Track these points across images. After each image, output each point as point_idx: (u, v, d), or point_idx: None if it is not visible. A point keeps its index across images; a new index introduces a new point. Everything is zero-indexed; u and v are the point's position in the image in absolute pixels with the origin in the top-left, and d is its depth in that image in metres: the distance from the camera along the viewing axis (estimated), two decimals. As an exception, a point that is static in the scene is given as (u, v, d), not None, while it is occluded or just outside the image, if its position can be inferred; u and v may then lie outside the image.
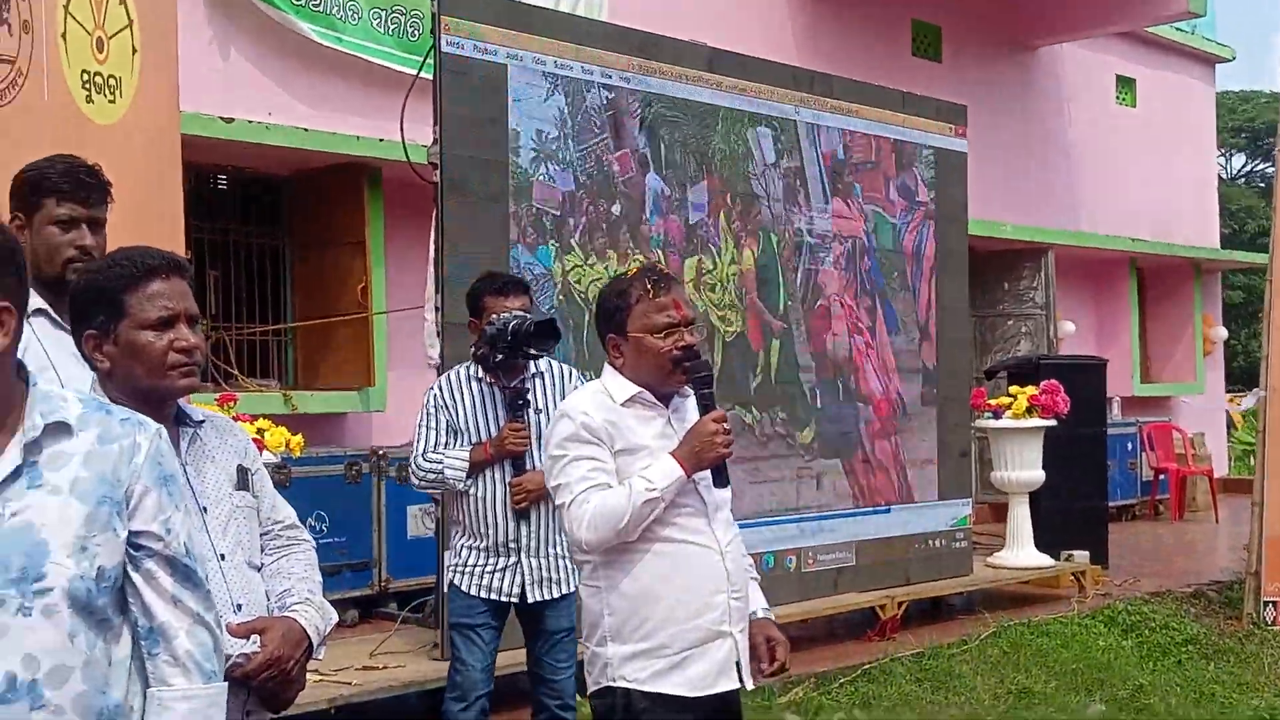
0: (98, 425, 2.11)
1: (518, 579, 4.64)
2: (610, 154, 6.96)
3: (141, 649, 2.12)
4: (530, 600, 4.65)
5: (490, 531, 4.64)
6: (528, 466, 4.60)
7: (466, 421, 4.68)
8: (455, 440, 4.68)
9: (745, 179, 7.63)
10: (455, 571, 4.74)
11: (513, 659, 6.22)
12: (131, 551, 2.10)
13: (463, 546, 4.73)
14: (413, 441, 4.78)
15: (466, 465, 4.60)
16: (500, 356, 4.54)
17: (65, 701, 1.99)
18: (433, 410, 4.72)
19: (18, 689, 1.96)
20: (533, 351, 4.53)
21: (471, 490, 4.64)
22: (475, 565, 4.67)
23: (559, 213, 6.68)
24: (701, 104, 7.38)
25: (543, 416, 4.60)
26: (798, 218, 7.92)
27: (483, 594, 4.65)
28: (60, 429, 2.07)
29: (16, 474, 2.02)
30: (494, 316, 4.57)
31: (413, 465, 4.75)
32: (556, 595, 4.69)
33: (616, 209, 6.97)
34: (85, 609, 2.02)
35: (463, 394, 4.70)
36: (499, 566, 4.64)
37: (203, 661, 2.15)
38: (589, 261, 6.80)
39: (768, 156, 7.75)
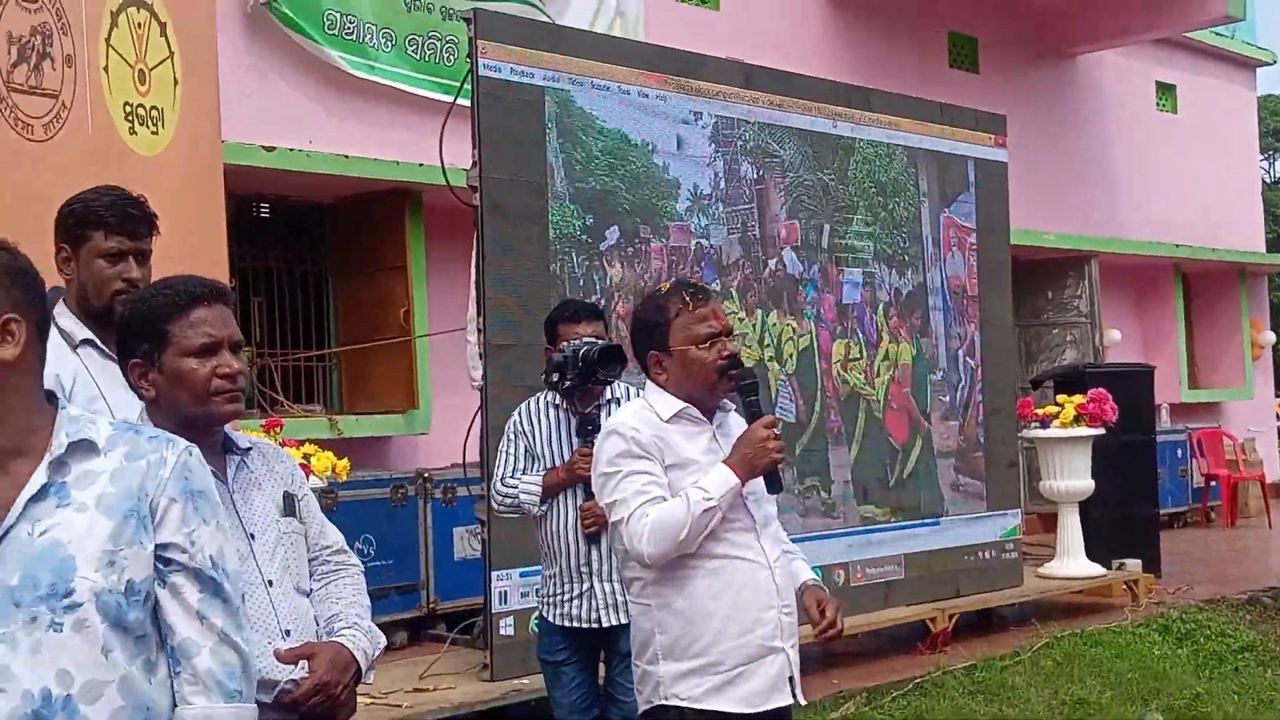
0: (126, 444, 2.12)
1: (593, 604, 4.63)
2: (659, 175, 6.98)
3: (170, 667, 2.12)
4: (605, 625, 4.63)
5: (562, 557, 4.66)
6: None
7: (543, 447, 4.71)
8: (533, 465, 4.73)
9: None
10: (541, 602, 4.80)
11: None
12: (159, 566, 2.09)
13: (546, 576, 4.76)
14: (494, 466, 4.87)
15: (539, 490, 4.65)
16: (569, 383, 4.57)
17: (101, 717, 1.99)
18: (512, 436, 4.79)
19: (53, 704, 1.96)
20: (601, 376, 4.54)
21: (546, 515, 4.69)
22: (555, 594, 4.69)
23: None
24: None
25: None
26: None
27: (564, 622, 4.65)
28: (87, 448, 2.08)
29: (44, 493, 2.04)
30: (564, 343, 4.63)
31: (492, 489, 4.85)
32: (625, 620, 4.67)
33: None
34: (118, 624, 2.02)
35: (540, 420, 4.75)
36: (575, 593, 4.64)
37: (225, 681, 2.12)
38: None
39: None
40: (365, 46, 8.88)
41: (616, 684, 4.72)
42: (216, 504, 2.21)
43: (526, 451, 4.73)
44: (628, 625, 4.56)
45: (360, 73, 8.87)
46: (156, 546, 2.09)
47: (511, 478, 4.74)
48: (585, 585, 4.63)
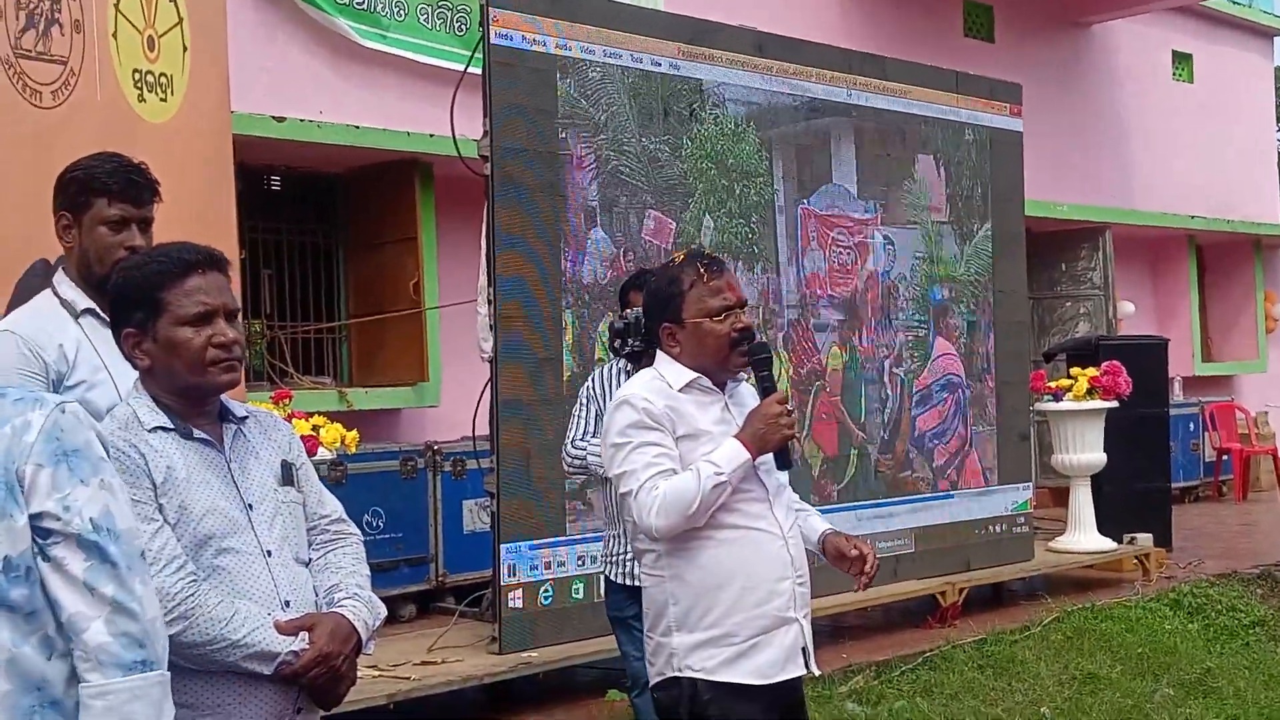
0: None
1: None
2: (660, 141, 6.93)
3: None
4: None
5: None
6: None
7: None
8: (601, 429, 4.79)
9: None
10: (605, 563, 4.91)
11: (566, 652, 6.26)
12: (39, 540, 2.00)
13: (609, 536, 4.88)
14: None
15: None
16: (630, 349, 4.66)
17: None
18: (584, 401, 4.93)
19: None
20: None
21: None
22: (619, 554, 4.77)
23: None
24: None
25: None
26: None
27: (627, 580, 4.71)
28: None
29: None
30: (626, 311, 4.74)
31: (562, 451, 4.99)
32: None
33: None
34: (1, 603, 1.95)
35: (610, 385, 4.82)
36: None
37: (120, 652, 2.03)
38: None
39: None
40: (377, 16, 8.83)
41: None
42: (98, 460, 2.09)
43: (597, 416, 4.82)
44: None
45: (371, 43, 8.83)
46: (31, 517, 1.99)
47: (581, 440, 4.86)
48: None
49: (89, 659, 2.01)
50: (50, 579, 2.00)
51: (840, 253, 7.78)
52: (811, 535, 3.39)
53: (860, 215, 7.91)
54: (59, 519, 2.00)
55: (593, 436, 4.79)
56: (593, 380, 4.97)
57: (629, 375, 4.67)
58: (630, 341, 4.64)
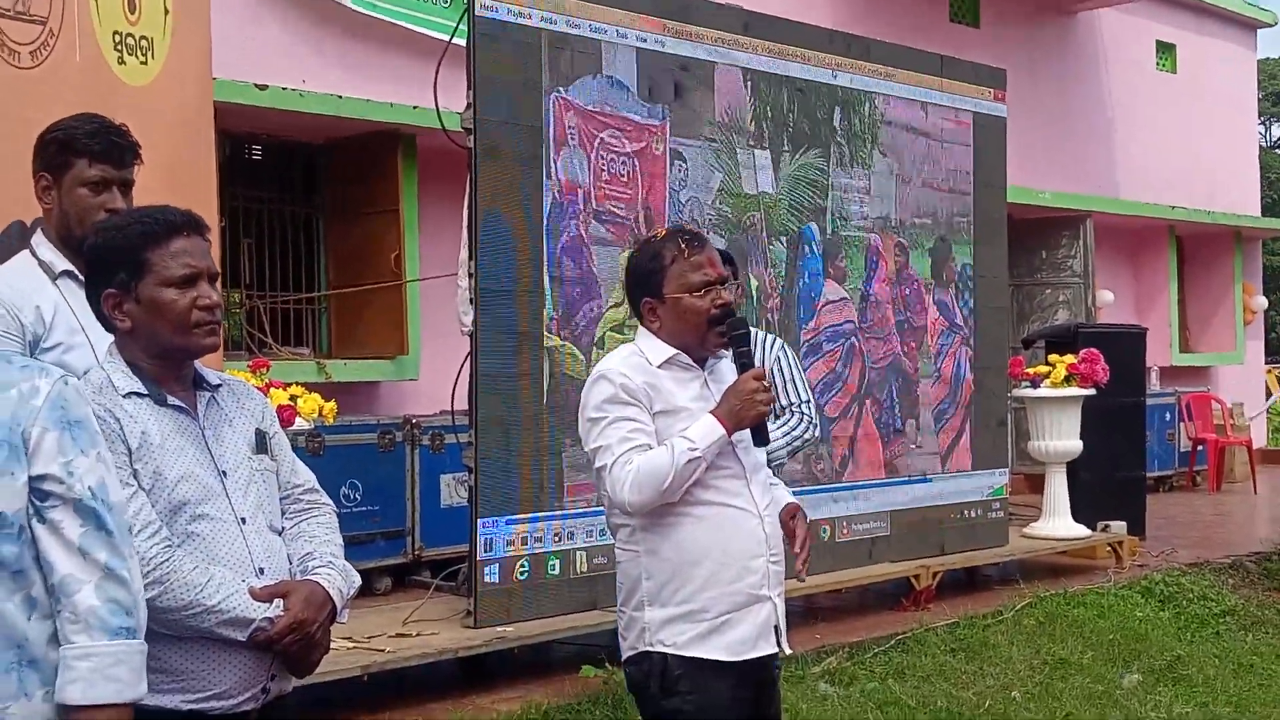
0: None
1: None
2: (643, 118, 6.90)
3: (53, 606, 2.07)
4: None
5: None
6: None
7: None
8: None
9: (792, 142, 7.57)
10: None
11: (542, 627, 6.26)
12: (36, 501, 2.04)
13: None
14: None
15: None
16: None
17: None
18: None
19: None
20: None
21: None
22: None
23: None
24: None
25: None
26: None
27: None
28: None
29: None
30: None
31: None
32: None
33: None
34: None
35: None
36: None
37: (109, 618, 2.08)
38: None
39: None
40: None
41: None
42: (96, 434, 2.16)
43: None
44: None
45: (362, 9, 8.76)
46: (32, 478, 2.04)
47: None
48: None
49: (78, 620, 2.05)
50: (45, 540, 2.04)
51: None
52: (777, 507, 3.39)
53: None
54: (62, 482, 2.05)
55: None
56: None
57: None
58: None
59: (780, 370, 4.85)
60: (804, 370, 4.91)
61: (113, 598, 2.08)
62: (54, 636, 2.06)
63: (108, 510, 2.10)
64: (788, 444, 4.84)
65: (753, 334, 4.73)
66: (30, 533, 2.05)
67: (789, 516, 3.31)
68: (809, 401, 4.88)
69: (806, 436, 4.87)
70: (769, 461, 4.67)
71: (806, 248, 7.69)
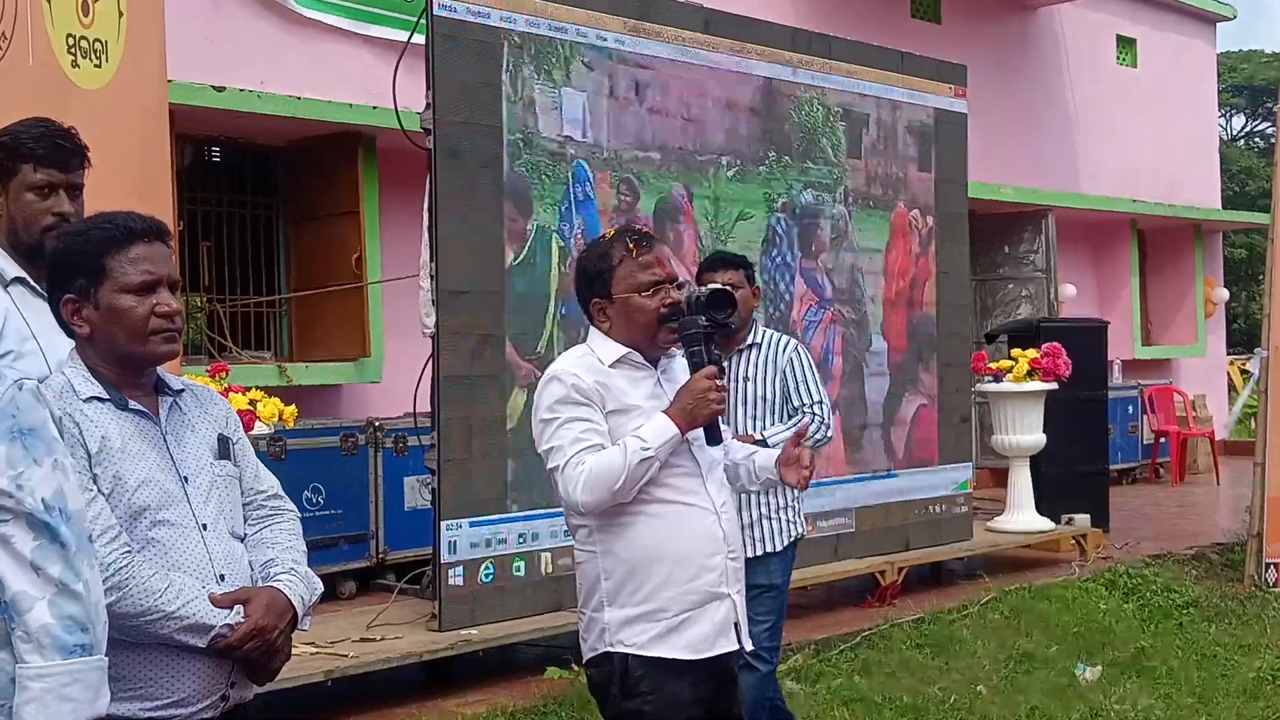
0: None
1: None
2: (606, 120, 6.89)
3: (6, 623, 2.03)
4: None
5: None
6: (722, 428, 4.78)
7: None
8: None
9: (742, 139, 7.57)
10: None
11: (507, 630, 6.25)
12: None
13: None
14: None
15: None
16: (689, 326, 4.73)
17: None
18: None
19: None
20: (715, 319, 4.63)
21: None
22: None
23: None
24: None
25: (749, 385, 4.85)
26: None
27: None
28: None
29: None
30: (688, 290, 4.77)
31: None
32: (759, 552, 4.82)
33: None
34: None
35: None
36: None
37: (63, 635, 2.02)
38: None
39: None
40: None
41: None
42: (53, 439, 2.10)
43: None
44: (759, 558, 4.77)
45: (311, 11, 8.72)
46: None
47: None
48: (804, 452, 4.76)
49: (30, 640, 2.00)
50: None
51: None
52: (763, 470, 3.43)
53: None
54: (11, 496, 1.99)
55: None
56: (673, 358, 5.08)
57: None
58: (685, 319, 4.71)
59: (792, 371, 4.90)
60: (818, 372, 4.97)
61: (67, 614, 2.03)
62: (6, 652, 2.02)
63: (64, 521, 2.04)
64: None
65: (766, 334, 4.92)
66: None
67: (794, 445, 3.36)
68: (821, 402, 4.92)
69: (819, 437, 4.90)
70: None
71: (777, 235, 7.70)
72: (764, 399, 4.88)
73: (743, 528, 4.77)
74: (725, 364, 4.81)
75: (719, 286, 4.67)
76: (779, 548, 4.83)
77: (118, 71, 4.40)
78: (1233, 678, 6.38)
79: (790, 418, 4.90)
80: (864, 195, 8.27)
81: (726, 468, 3.43)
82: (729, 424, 4.86)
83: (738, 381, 4.89)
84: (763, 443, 4.81)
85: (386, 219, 8.97)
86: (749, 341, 4.90)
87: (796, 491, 4.88)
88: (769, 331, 5.01)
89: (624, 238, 3.28)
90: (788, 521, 4.86)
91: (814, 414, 4.88)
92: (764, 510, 4.81)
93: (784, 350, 4.93)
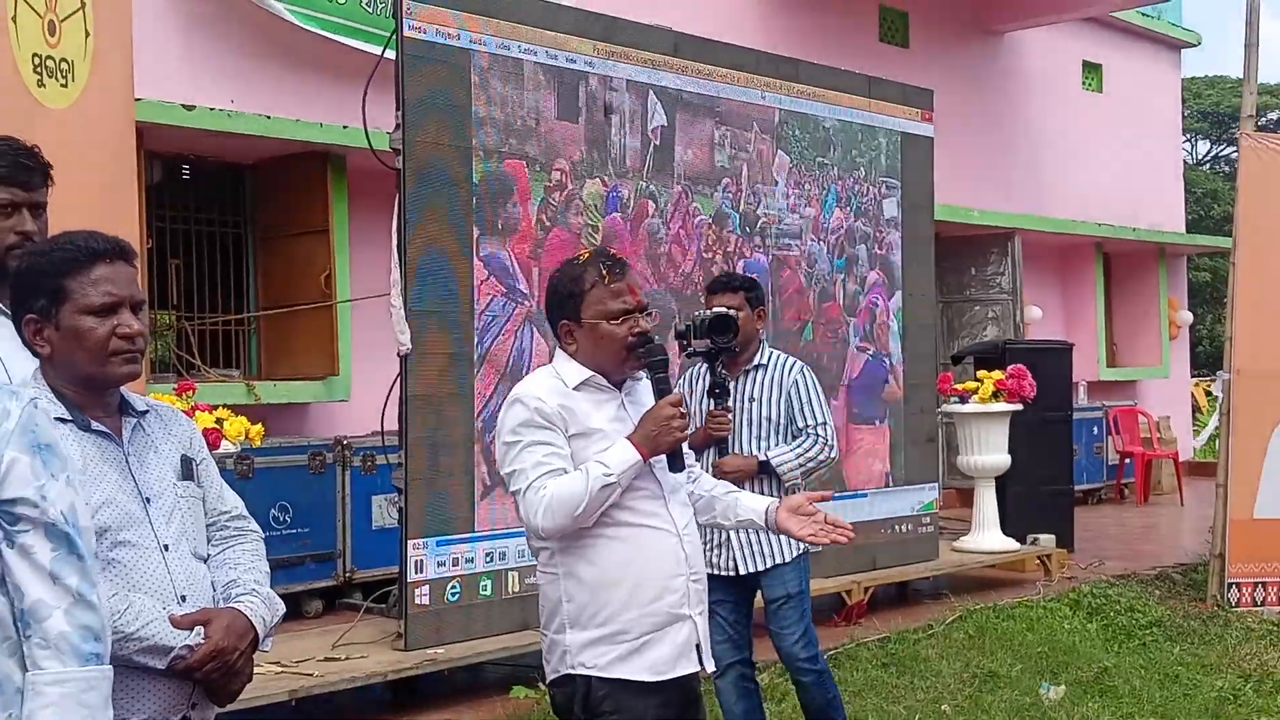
0: None
1: (730, 554, 4.96)
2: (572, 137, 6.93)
3: (19, 631, 2.06)
4: (743, 572, 4.94)
5: None
6: (733, 450, 4.97)
7: (695, 408, 4.98)
8: (690, 425, 4.91)
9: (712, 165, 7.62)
10: None
11: (473, 649, 6.24)
12: (6, 525, 2.04)
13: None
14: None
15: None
16: (691, 350, 4.88)
17: None
18: None
19: None
20: (720, 342, 4.82)
21: None
22: (704, 541, 4.86)
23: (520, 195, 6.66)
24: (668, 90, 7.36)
25: (755, 405, 4.99)
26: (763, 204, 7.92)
27: (711, 570, 4.84)
28: None
29: None
30: (695, 313, 4.98)
31: None
32: (766, 566, 4.97)
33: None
34: None
35: (696, 384, 5.05)
36: (714, 543, 4.92)
37: (80, 644, 2.08)
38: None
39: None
40: (312, -1, 8.74)
41: (771, 631, 5.10)
42: (65, 458, 2.16)
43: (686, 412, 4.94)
44: (768, 572, 4.93)
45: (304, 25, 8.69)
46: (4, 502, 2.03)
47: None
48: (723, 536, 4.91)
49: (48, 646, 2.05)
50: (16, 565, 2.04)
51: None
52: (747, 512, 3.45)
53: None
54: (36, 506, 2.05)
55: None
56: (683, 378, 5.22)
57: (707, 374, 4.96)
58: (692, 343, 4.84)
59: (797, 392, 4.99)
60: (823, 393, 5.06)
61: (84, 624, 2.08)
62: (15, 659, 2.05)
63: (78, 534, 2.09)
64: (801, 465, 4.96)
65: (772, 356, 5.03)
66: None
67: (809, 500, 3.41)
68: (825, 424, 4.99)
69: (822, 458, 4.99)
70: (783, 480, 4.86)
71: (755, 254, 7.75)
72: (769, 420, 4.97)
73: (749, 543, 4.94)
74: (731, 385, 4.91)
75: (722, 311, 4.84)
76: (788, 559, 4.98)
77: (84, 91, 4.40)
78: (1195, 697, 6.43)
79: (795, 439, 4.98)
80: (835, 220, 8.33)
81: (699, 499, 3.45)
82: (734, 443, 4.97)
83: (743, 402, 5.00)
84: (766, 463, 4.88)
85: (356, 238, 8.98)
86: (755, 363, 5.01)
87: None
88: (775, 353, 5.11)
89: (597, 262, 3.29)
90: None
91: (818, 435, 4.97)
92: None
93: (789, 372, 5.02)
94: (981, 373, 9.46)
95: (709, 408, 4.91)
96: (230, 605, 2.65)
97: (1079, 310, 15.95)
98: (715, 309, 4.87)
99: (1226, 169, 35.16)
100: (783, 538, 4.86)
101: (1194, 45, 17.90)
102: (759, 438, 4.97)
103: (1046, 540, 9.51)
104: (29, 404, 2.10)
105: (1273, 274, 8.41)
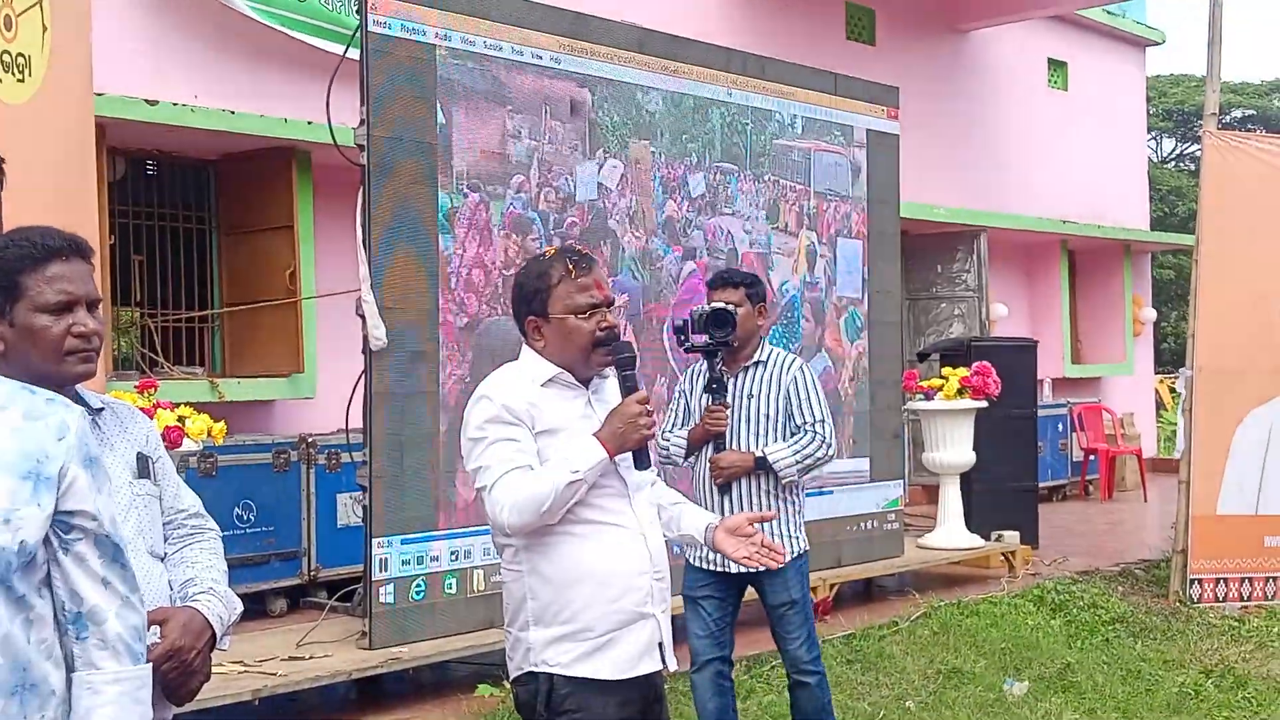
0: (23, 403, 2.09)
1: None
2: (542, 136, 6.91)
3: (68, 634, 2.10)
4: (734, 571, 4.89)
5: (702, 505, 4.91)
6: (731, 446, 4.97)
7: (695, 404, 5.08)
8: (688, 421, 5.10)
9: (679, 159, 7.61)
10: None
11: (438, 648, 6.23)
12: (62, 534, 2.08)
13: None
14: None
15: (685, 445, 5.07)
16: (688, 345, 4.95)
17: None
18: (676, 395, 5.27)
19: None
20: (715, 337, 4.88)
21: (693, 467, 5.09)
22: None
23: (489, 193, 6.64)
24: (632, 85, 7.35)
25: (753, 402, 5.01)
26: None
27: (702, 564, 4.97)
28: None
29: None
30: (692, 308, 5.02)
31: (658, 440, 5.14)
32: (759, 569, 4.82)
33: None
34: (2, 583, 1.99)
35: (697, 381, 5.11)
36: None
37: (132, 643, 2.15)
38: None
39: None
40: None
41: (775, 634, 5.13)
42: (107, 471, 2.22)
43: (685, 408, 5.14)
44: (770, 575, 4.86)
45: (265, 21, 8.64)
46: (63, 513, 2.08)
47: (669, 432, 5.15)
48: (758, 534, 4.83)
49: (107, 647, 2.12)
50: (73, 571, 2.10)
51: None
52: (689, 527, 3.44)
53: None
54: (94, 519, 2.11)
55: (682, 427, 5.11)
56: (686, 374, 5.25)
57: (708, 369, 5.00)
58: (690, 337, 4.89)
59: (796, 389, 5.01)
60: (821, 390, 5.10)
61: (132, 625, 2.16)
62: (48, 662, 2.08)
63: (122, 543, 2.17)
64: (799, 461, 4.96)
65: (772, 352, 5.05)
66: (46, 562, 2.09)
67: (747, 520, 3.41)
68: (823, 421, 5.01)
69: (819, 455, 5.00)
70: (779, 477, 4.87)
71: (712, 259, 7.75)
72: (767, 416, 4.99)
73: None
74: (729, 381, 4.90)
75: (720, 306, 4.86)
76: (785, 561, 4.90)
77: (42, 87, 4.36)
78: (1157, 693, 6.48)
79: (793, 435, 4.99)
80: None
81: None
82: (732, 439, 4.98)
83: (741, 398, 5.02)
84: (763, 460, 4.89)
85: (321, 234, 8.93)
86: (754, 359, 5.03)
87: (796, 507, 5.05)
88: (775, 349, 5.13)
89: (564, 258, 3.28)
90: (791, 537, 5.02)
91: (816, 432, 4.98)
92: (768, 528, 4.92)
93: (788, 368, 5.04)
94: (947, 370, 9.50)
95: (707, 403, 4.95)
96: (187, 604, 2.63)
97: (1044, 307, 16.02)
98: (713, 304, 4.90)
99: (1191, 167, 35.40)
100: (780, 540, 4.93)
101: (1158, 43, 18.02)
102: (757, 434, 4.98)
103: (1011, 537, 9.56)
104: (80, 416, 2.15)
105: (1235, 272, 8.47)
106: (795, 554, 4.99)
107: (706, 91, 7.77)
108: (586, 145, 7.14)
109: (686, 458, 5.09)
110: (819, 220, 8.48)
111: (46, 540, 2.08)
